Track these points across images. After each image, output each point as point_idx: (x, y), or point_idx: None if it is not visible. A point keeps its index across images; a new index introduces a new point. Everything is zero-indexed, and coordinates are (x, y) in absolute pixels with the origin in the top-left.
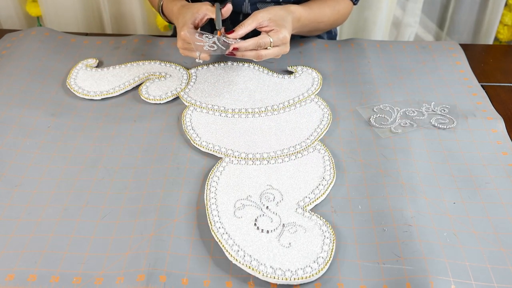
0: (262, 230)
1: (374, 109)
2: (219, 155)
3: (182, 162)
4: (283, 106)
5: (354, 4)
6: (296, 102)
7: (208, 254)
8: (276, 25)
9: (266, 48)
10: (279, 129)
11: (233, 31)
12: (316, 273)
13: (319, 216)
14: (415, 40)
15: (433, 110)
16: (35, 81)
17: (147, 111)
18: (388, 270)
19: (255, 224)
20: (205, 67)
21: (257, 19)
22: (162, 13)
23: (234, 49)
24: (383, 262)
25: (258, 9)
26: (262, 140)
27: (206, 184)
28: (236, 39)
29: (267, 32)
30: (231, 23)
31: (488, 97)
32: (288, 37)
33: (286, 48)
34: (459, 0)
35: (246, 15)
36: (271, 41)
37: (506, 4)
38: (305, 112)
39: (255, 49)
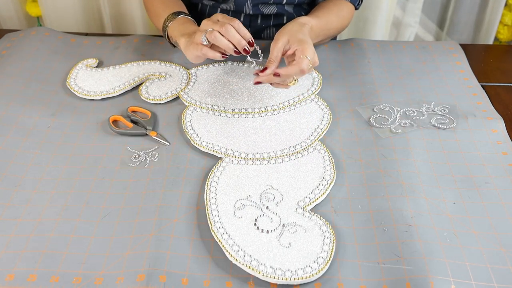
0: (262, 230)
1: (374, 109)
2: (219, 155)
3: (182, 162)
4: (283, 106)
5: (356, 9)
6: (296, 102)
7: (208, 254)
8: (297, 42)
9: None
10: (279, 129)
11: (266, 68)
12: (316, 273)
13: (319, 216)
14: (415, 40)
15: (433, 110)
16: (35, 81)
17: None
18: (388, 270)
19: (255, 224)
20: (205, 67)
21: (279, 47)
22: (167, 35)
23: (276, 74)
24: (383, 262)
25: (260, 10)
26: (262, 140)
27: (206, 184)
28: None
29: (292, 54)
30: None
31: (488, 97)
32: (312, 46)
33: (316, 57)
34: (459, 0)
35: (247, 16)
36: (309, 59)
37: (506, 4)
38: (305, 112)
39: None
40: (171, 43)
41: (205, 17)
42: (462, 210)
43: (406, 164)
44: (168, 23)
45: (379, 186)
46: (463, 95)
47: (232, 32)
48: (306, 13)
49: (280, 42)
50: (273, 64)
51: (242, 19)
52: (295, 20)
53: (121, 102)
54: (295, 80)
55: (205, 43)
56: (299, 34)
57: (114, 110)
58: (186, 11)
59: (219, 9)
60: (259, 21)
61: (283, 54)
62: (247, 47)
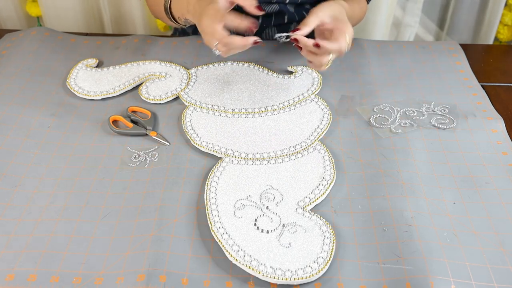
0: (262, 230)
1: (374, 109)
2: (219, 155)
3: (182, 162)
4: (283, 106)
5: (367, 2)
6: (296, 102)
7: (208, 254)
8: (339, 21)
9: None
10: (279, 129)
11: (298, 29)
12: (316, 273)
13: (319, 216)
14: (415, 40)
15: (433, 110)
16: (35, 81)
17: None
18: (388, 270)
19: (255, 224)
20: (205, 67)
21: (319, 15)
22: (170, 12)
23: (316, 45)
24: (383, 262)
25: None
26: (262, 140)
27: (206, 184)
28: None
29: (329, 30)
30: None
31: (488, 97)
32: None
33: (351, 41)
34: (459, 0)
35: (249, 15)
36: (347, 41)
37: (506, 4)
38: (305, 112)
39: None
40: (180, 23)
41: None
42: (462, 210)
43: (406, 164)
44: (168, 4)
45: (379, 186)
46: (463, 95)
47: (234, 43)
48: (307, 13)
49: (321, 12)
50: (306, 27)
51: None
52: (335, 1)
53: (121, 102)
54: (330, 62)
55: (219, 53)
56: (340, 15)
57: (114, 110)
58: None
59: None
60: (260, 20)
61: (321, 26)
62: (255, 38)
